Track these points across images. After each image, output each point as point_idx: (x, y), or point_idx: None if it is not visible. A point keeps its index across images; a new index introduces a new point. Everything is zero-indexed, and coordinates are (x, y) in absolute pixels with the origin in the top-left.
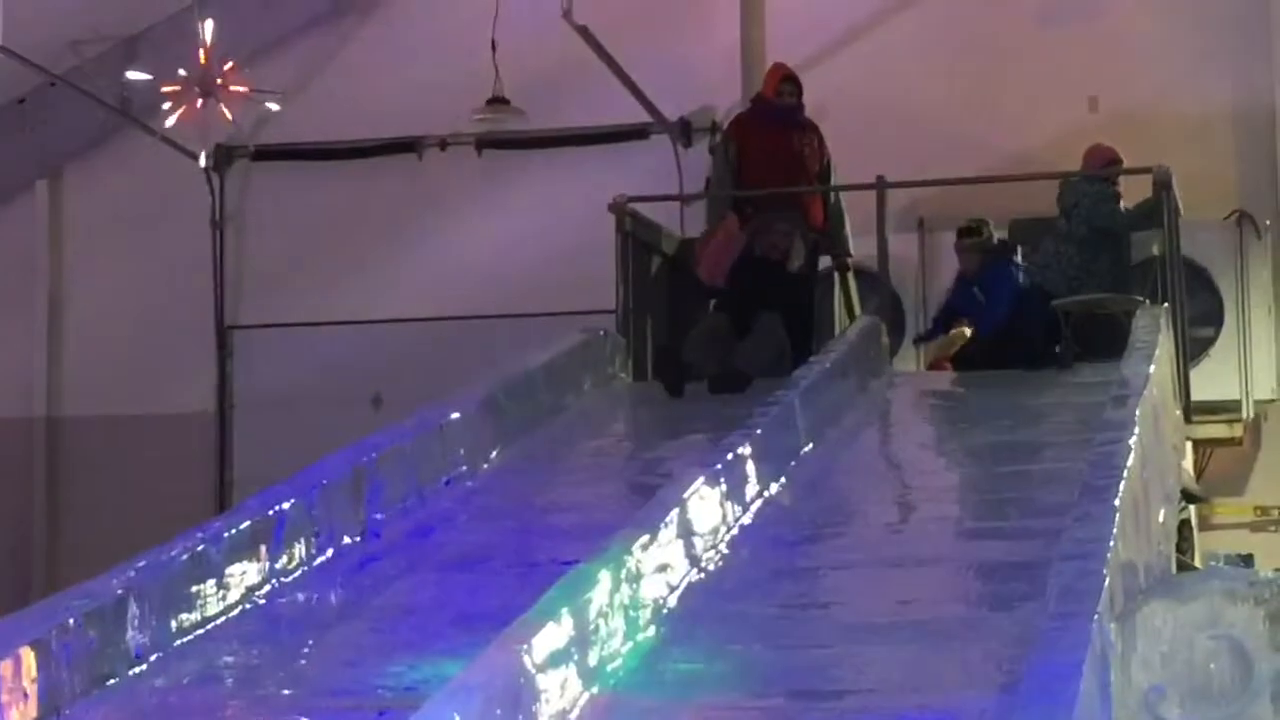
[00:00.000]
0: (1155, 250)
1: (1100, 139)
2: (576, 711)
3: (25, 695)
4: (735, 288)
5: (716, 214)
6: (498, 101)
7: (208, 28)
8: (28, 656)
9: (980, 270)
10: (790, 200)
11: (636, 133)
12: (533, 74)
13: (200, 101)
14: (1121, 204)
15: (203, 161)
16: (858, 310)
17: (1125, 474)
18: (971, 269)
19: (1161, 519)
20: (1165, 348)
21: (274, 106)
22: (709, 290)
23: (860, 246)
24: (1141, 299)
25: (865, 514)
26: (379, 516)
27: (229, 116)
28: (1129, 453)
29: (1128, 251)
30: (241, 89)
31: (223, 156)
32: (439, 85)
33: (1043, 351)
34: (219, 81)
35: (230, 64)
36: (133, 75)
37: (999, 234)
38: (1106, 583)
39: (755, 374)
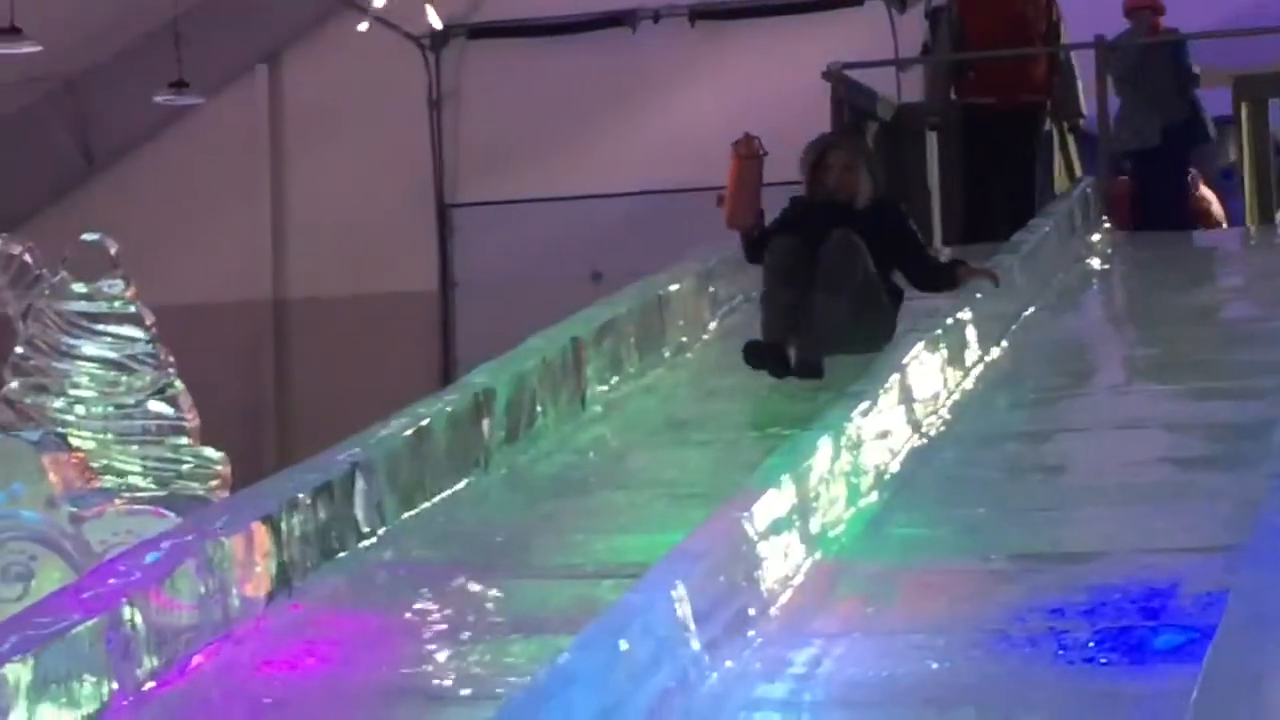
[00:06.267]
0: None
1: None
2: (799, 577)
3: (258, 569)
4: (794, 242)
5: (940, 79)
6: None
7: None
8: (260, 531)
9: None
10: (1008, 65)
11: None
12: None
13: None
14: None
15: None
16: (1078, 172)
17: None
18: None
19: None
20: None
21: None
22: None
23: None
24: None
25: (1087, 376)
26: (599, 388)
27: None
28: None
29: None
30: None
31: (438, 36)
32: None
33: None
34: None
35: None
36: None
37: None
38: None
39: (821, 357)
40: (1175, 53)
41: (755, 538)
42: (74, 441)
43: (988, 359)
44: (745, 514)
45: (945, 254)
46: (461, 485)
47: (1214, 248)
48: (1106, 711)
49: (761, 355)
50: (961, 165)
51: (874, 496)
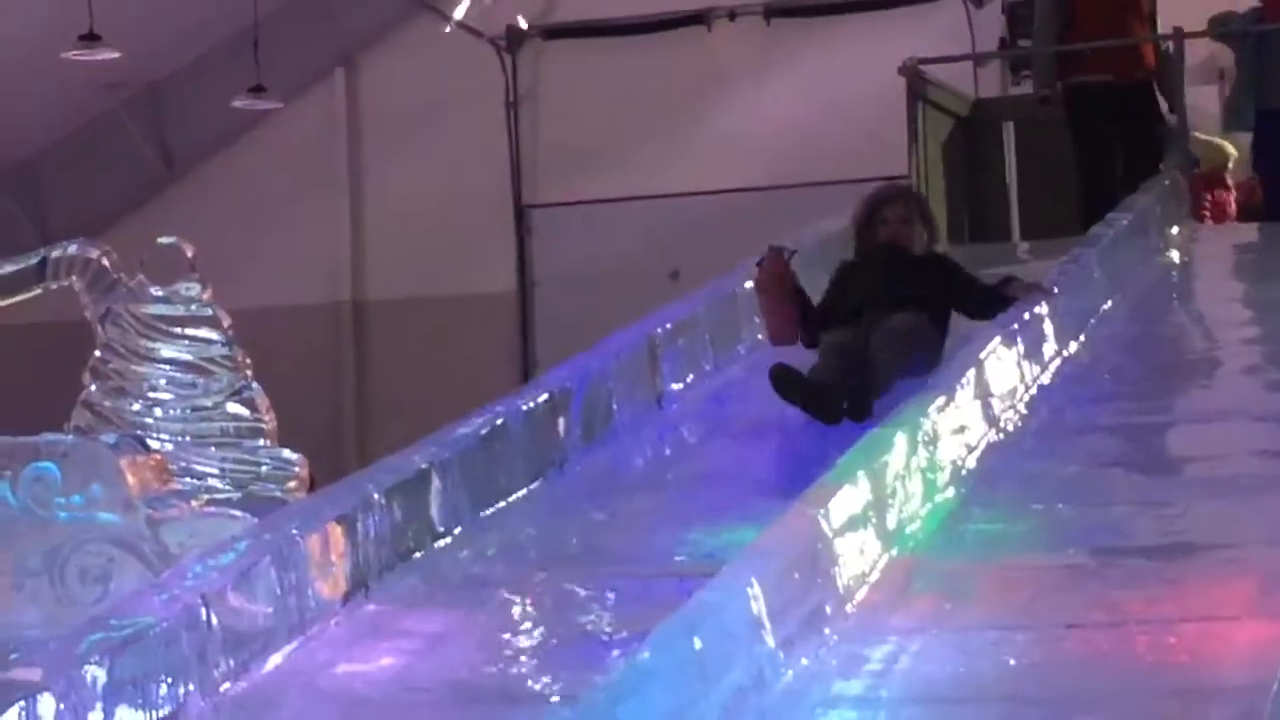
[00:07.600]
0: None
1: None
2: (875, 574)
3: (334, 570)
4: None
5: (1042, 66)
6: None
7: None
8: (335, 532)
9: None
10: (1120, 48)
11: None
12: None
13: None
14: None
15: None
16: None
17: None
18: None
19: None
20: None
21: None
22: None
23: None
24: None
25: (1167, 369)
26: (675, 386)
27: None
28: None
29: None
30: None
31: (515, 37)
32: None
33: None
34: None
35: None
36: None
37: None
38: None
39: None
40: None
41: (831, 534)
42: (152, 444)
43: (1066, 353)
44: (821, 511)
45: (1023, 249)
46: (537, 484)
47: None
48: (1186, 707)
49: (804, 391)
50: (1076, 147)
51: (951, 492)
